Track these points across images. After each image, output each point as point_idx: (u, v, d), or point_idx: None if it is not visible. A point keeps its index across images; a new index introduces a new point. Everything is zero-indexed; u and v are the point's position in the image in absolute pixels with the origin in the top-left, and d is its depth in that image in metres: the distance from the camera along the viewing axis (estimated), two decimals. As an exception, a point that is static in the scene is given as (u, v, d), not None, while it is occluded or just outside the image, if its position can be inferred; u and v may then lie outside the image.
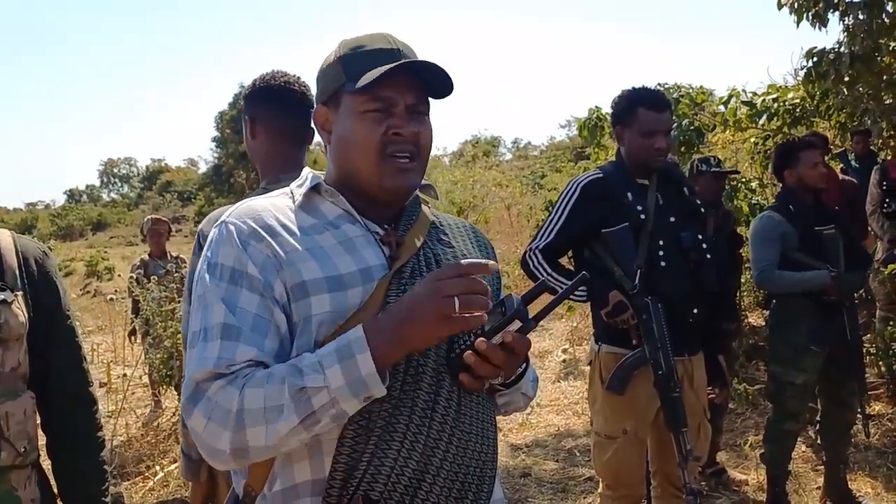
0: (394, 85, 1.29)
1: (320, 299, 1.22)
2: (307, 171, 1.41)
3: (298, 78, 2.14)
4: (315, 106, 1.42)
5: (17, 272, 1.64)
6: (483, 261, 1.16)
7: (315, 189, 1.35)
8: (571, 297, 2.87)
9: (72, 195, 70.00)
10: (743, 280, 6.07)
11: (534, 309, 1.27)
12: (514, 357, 1.23)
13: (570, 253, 3.10)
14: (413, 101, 1.32)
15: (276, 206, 1.32)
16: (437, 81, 1.33)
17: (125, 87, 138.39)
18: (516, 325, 1.21)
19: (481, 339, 1.21)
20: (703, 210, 2.97)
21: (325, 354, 1.15)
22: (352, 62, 1.32)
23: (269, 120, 2.09)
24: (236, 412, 1.14)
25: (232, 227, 1.27)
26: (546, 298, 1.37)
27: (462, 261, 1.18)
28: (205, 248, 1.30)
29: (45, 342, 1.67)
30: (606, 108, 6.86)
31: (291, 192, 1.37)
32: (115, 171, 74.89)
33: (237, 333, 1.19)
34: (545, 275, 2.87)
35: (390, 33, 1.37)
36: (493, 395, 1.42)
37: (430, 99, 1.37)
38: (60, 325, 1.72)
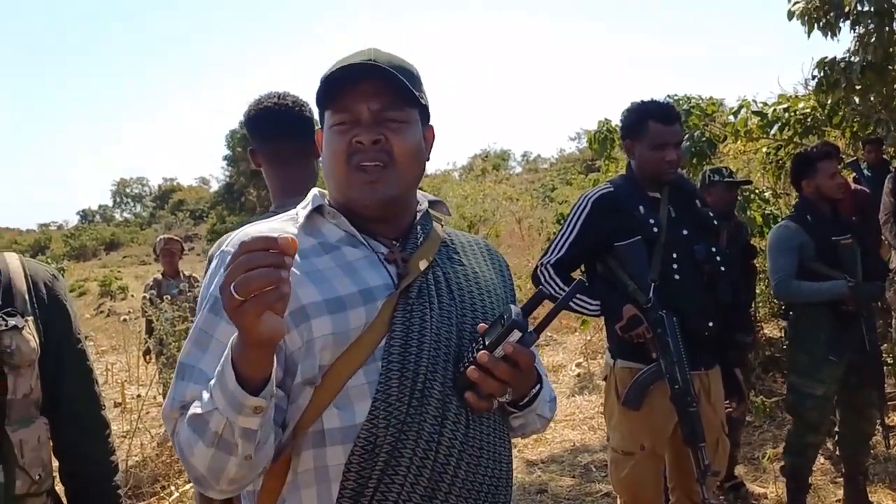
0: (357, 94, 1.26)
1: (321, 322, 1.21)
2: (312, 192, 1.40)
3: (288, 95, 2.07)
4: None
5: (27, 297, 1.62)
6: (272, 235, 1.00)
7: (318, 210, 1.34)
8: (585, 311, 2.86)
9: (85, 215, 70.46)
10: (758, 291, 6.02)
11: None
12: (519, 371, 1.21)
13: (582, 269, 3.08)
14: (378, 107, 1.27)
15: (275, 230, 1.28)
16: (400, 85, 1.28)
17: (136, 107, 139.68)
18: (516, 335, 1.18)
19: (483, 351, 1.19)
20: (715, 222, 2.95)
21: (214, 377, 1.11)
22: (328, 80, 1.30)
23: (266, 147, 2.06)
24: (180, 445, 1.18)
25: (229, 258, 1.26)
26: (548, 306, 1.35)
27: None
28: (205, 278, 1.31)
29: (56, 367, 1.66)
30: (616, 121, 6.85)
31: (296, 215, 1.36)
32: (128, 190, 75.33)
33: (190, 373, 1.22)
34: (557, 289, 2.84)
35: (376, 48, 1.33)
36: (506, 417, 1.39)
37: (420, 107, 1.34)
38: (71, 350, 1.70)
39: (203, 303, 1.27)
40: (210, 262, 1.78)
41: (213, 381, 1.10)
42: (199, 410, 1.12)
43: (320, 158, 1.39)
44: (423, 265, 1.31)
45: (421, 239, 1.36)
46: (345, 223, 1.32)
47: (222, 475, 1.14)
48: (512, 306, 1.22)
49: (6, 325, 1.53)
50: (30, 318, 1.60)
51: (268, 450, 1.16)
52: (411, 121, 1.32)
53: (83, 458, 1.73)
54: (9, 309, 1.57)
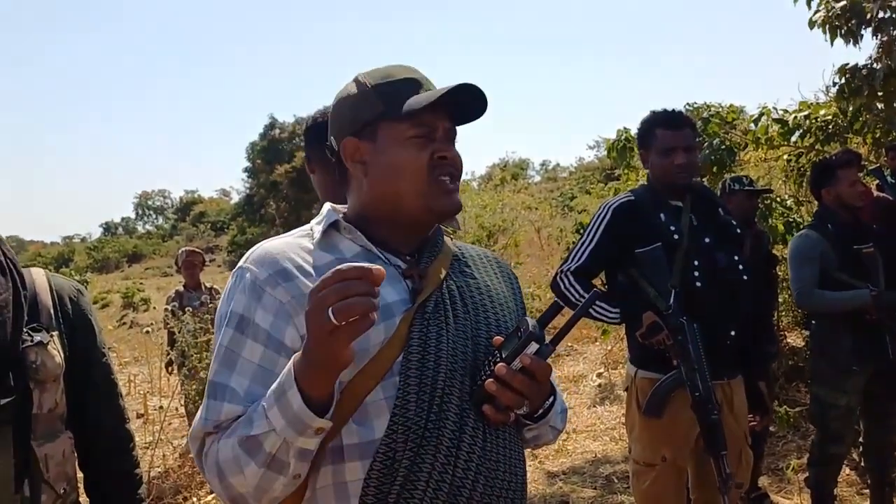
0: (434, 111, 1.30)
1: None
2: (326, 208, 1.41)
3: None
4: (336, 140, 1.39)
5: (53, 312, 1.63)
6: (366, 265, 1.05)
7: (333, 226, 1.35)
8: (604, 318, 2.86)
9: (107, 228, 71.20)
10: (781, 300, 5.96)
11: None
12: (536, 384, 1.21)
13: (603, 279, 3.08)
14: (449, 126, 1.35)
15: (292, 246, 1.32)
16: (471, 106, 1.35)
17: (158, 119, 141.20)
18: (533, 347, 1.19)
19: (501, 363, 1.20)
20: (739, 231, 2.93)
21: (267, 398, 1.15)
22: (387, 92, 1.33)
23: (320, 156, 2.13)
24: (218, 465, 1.19)
25: (248, 275, 1.28)
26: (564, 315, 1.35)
27: (340, 265, 1.06)
28: (223, 294, 1.32)
29: (81, 382, 1.67)
30: (635, 129, 6.83)
31: (312, 230, 1.37)
32: (150, 203, 76.12)
33: (223, 392, 1.23)
34: (577, 297, 2.85)
35: (407, 64, 1.39)
36: (520, 429, 1.39)
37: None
38: (96, 364, 1.71)
39: (224, 320, 1.28)
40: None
41: (267, 403, 1.14)
42: (251, 432, 1.14)
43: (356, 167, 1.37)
44: (438, 280, 1.33)
45: (435, 253, 1.38)
46: (361, 238, 1.33)
47: (266, 494, 1.18)
48: (528, 318, 1.23)
49: (32, 341, 1.54)
50: (55, 334, 1.61)
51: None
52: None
53: (107, 472, 1.74)
54: (34, 324, 1.58)
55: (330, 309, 1.01)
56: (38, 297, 1.63)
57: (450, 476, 1.20)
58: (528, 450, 1.54)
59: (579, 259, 2.92)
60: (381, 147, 1.33)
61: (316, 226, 1.37)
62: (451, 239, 1.47)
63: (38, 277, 1.68)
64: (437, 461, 1.19)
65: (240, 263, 1.32)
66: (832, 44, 5.21)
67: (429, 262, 1.35)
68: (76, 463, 1.69)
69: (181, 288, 6.73)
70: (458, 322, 1.30)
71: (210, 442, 1.22)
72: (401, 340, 1.24)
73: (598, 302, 2.83)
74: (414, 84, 1.34)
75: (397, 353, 1.23)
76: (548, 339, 1.24)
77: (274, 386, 1.15)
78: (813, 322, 3.75)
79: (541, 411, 1.36)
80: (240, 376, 1.23)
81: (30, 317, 1.58)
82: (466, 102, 1.34)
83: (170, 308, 5.92)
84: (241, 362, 1.23)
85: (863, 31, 5.13)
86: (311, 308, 1.05)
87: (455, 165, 1.35)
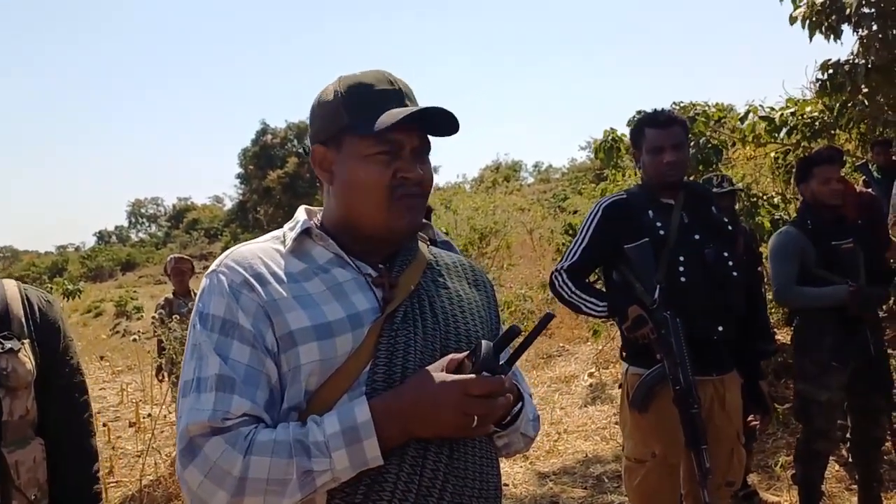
0: (401, 128, 1.27)
1: (308, 348, 1.21)
2: (300, 213, 1.40)
3: None
4: (311, 143, 1.39)
5: (24, 321, 1.65)
6: (501, 379, 1.19)
7: (306, 232, 1.34)
8: (593, 312, 2.92)
9: (101, 236, 71.08)
10: (769, 297, 5.97)
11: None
12: (491, 402, 1.19)
13: (598, 275, 3.12)
14: (418, 144, 1.32)
15: (265, 251, 1.31)
16: (442, 124, 1.32)
17: (150, 127, 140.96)
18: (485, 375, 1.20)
19: None
20: (732, 229, 2.96)
21: (332, 436, 1.15)
22: (354, 104, 1.30)
23: None
24: (238, 478, 1.14)
25: (223, 277, 1.27)
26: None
27: (485, 377, 1.17)
28: (197, 298, 1.30)
29: (48, 389, 1.67)
30: (622, 130, 6.86)
31: (283, 236, 1.36)
32: (143, 211, 76.00)
33: (232, 385, 1.19)
34: (569, 293, 2.93)
35: (388, 71, 1.36)
36: (491, 437, 1.38)
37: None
38: (63, 374, 1.72)
39: (205, 322, 1.25)
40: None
41: (331, 442, 1.14)
42: (311, 467, 1.14)
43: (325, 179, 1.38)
44: (408, 289, 1.32)
45: (408, 261, 1.37)
46: (333, 245, 1.33)
47: None
48: (483, 342, 1.21)
49: (3, 349, 1.56)
50: (26, 342, 1.63)
51: None
52: (429, 154, 1.37)
53: (62, 485, 1.71)
54: (5, 332, 1.60)
55: (478, 415, 1.17)
56: (9, 307, 1.65)
57: (416, 486, 1.20)
58: (522, 452, 1.54)
59: (572, 257, 2.99)
60: (344, 160, 1.32)
61: (289, 231, 1.36)
62: (428, 245, 1.46)
63: (10, 288, 1.70)
64: (403, 471, 1.20)
65: (212, 267, 1.31)
66: (811, 39, 5.25)
67: (400, 271, 1.34)
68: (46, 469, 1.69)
69: (171, 295, 6.71)
70: (427, 333, 1.30)
71: (217, 445, 1.15)
72: (368, 350, 1.24)
73: (589, 297, 2.90)
74: (385, 96, 1.30)
75: (364, 364, 1.23)
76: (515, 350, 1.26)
77: (339, 423, 1.16)
78: (796, 319, 3.76)
79: (508, 418, 1.34)
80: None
81: (1, 325, 1.60)
82: (439, 117, 1.31)
83: (158, 316, 5.90)
84: (231, 363, 1.20)
85: (843, 27, 5.16)
86: (458, 405, 1.16)
87: (421, 184, 1.32)
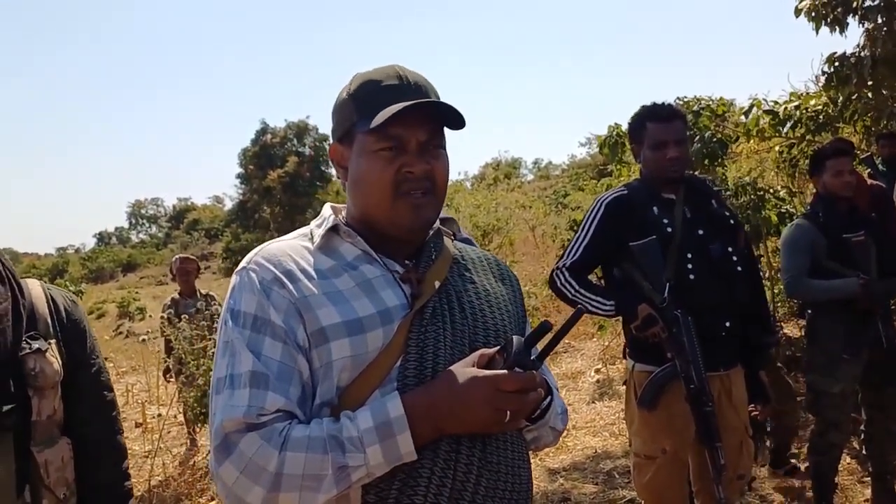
0: (405, 122, 1.26)
1: (340, 344, 1.21)
2: (327, 210, 1.41)
3: None
4: (332, 140, 1.41)
5: (50, 321, 1.66)
6: (533, 374, 1.19)
7: (334, 229, 1.34)
8: (600, 311, 2.86)
9: (101, 238, 71.19)
10: (777, 291, 5.98)
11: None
12: (522, 396, 1.20)
13: (598, 273, 3.08)
14: (426, 137, 1.30)
15: (294, 248, 1.31)
16: (449, 115, 1.31)
17: (149, 127, 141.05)
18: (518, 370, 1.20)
19: None
20: (733, 223, 2.93)
21: (366, 431, 1.15)
22: (363, 100, 1.31)
23: None
24: (274, 474, 1.14)
25: (253, 275, 1.27)
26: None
27: (517, 372, 1.17)
28: (227, 295, 1.30)
29: (75, 389, 1.68)
30: (625, 126, 6.85)
31: (311, 233, 1.36)
32: (143, 211, 76.07)
33: (266, 381, 1.18)
34: (573, 292, 2.86)
35: (402, 66, 1.35)
36: (520, 431, 1.38)
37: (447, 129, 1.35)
38: (89, 373, 1.72)
39: (237, 319, 1.25)
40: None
41: (365, 437, 1.14)
42: (346, 462, 1.14)
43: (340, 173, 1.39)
44: (436, 285, 1.32)
45: (434, 257, 1.37)
46: (361, 242, 1.33)
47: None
48: (514, 337, 1.22)
49: (30, 349, 1.57)
50: (52, 342, 1.64)
51: None
52: (445, 146, 1.36)
53: (94, 483, 1.72)
54: (32, 332, 1.60)
55: (510, 410, 1.17)
56: (36, 307, 1.66)
57: (450, 480, 1.20)
58: (551, 446, 1.55)
59: (574, 255, 2.92)
60: (354, 157, 1.33)
61: (316, 228, 1.37)
62: (453, 240, 1.46)
63: (35, 288, 1.71)
64: (437, 466, 1.20)
65: (242, 264, 1.31)
66: (817, 32, 5.23)
67: (427, 267, 1.35)
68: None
69: (177, 295, 6.72)
70: (456, 327, 1.30)
71: (252, 441, 1.15)
72: (399, 346, 1.24)
73: (595, 296, 2.85)
74: (391, 91, 1.29)
75: (395, 359, 1.23)
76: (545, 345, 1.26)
77: (372, 418, 1.16)
78: (808, 311, 3.76)
79: (537, 412, 1.35)
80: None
81: (28, 325, 1.61)
82: (446, 111, 1.30)
83: (165, 316, 5.91)
84: (263, 360, 1.20)
85: (849, 20, 5.15)
86: (490, 400, 1.16)
87: (429, 178, 1.31)
